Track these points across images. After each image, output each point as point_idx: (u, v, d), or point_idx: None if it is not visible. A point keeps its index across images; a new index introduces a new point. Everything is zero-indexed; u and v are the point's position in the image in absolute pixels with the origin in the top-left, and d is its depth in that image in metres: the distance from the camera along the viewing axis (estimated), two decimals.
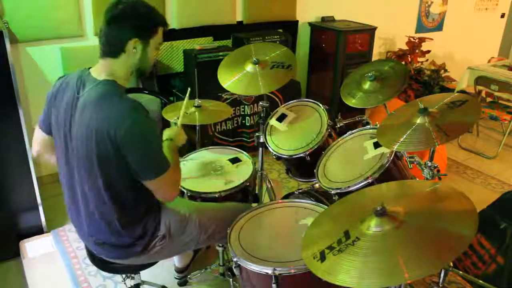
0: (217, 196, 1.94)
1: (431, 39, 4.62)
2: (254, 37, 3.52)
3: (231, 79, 2.18)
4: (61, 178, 1.61)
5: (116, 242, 1.57)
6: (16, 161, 2.41)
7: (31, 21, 2.82)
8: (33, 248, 2.53)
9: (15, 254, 2.49)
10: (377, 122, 1.99)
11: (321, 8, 4.17)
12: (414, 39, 4.56)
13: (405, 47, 4.59)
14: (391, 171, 1.80)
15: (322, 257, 1.19)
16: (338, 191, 1.81)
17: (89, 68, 1.52)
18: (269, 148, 2.20)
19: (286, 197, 2.20)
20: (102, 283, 2.34)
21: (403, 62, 4.39)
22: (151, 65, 1.56)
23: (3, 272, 2.41)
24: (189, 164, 2.19)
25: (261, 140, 2.29)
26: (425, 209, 1.25)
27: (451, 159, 3.81)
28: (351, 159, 1.95)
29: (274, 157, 2.18)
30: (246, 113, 3.49)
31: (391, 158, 1.78)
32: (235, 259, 1.55)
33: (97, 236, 1.58)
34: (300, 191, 2.17)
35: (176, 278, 2.30)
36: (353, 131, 2.10)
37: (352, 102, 2.13)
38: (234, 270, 1.58)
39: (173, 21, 3.40)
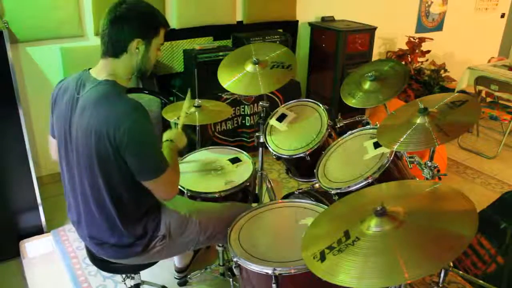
0: (217, 196, 1.94)
1: (431, 39, 4.62)
2: (254, 37, 3.52)
3: (231, 79, 2.18)
4: (62, 178, 1.62)
5: (117, 242, 1.57)
6: (16, 161, 2.41)
7: (31, 21, 2.82)
8: (33, 248, 2.53)
9: (15, 254, 2.49)
10: (377, 122, 1.99)
11: (321, 8, 4.17)
12: (414, 39, 4.56)
13: (405, 47, 4.59)
14: (391, 171, 1.80)
15: (322, 257, 1.19)
16: (338, 191, 1.81)
17: (89, 69, 1.53)
18: (269, 148, 2.20)
19: (286, 197, 2.20)
20: (102, 283, 2.34)
21: (403, 62, 4.39)
22: (152, 66, 1.56)
23: (3, 272, 2.41)
24: (189, 164, 2.19)
25: (261, 140, 2.29)
26: (425, 209, 1.25)
27: (451, 159, 3.81)
28: (351, 159, 1.95)
29: (274, 157, 2.18)
30: (246, 113, 3.49)
31: (391, 158, 1.78)
32: (235, 259, 1.55)
33: (97, 236, 1.58)
34: (300, 191, 2.17)
35: (176, 278, 2.30)
36: (353, 131, 2.10)
37: (352, 102, 2.12)
38: (234, 270, 1.58)
39: (173, 21, 3.40)
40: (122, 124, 1.37)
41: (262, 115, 2.31)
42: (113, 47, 1.45)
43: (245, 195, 2.07)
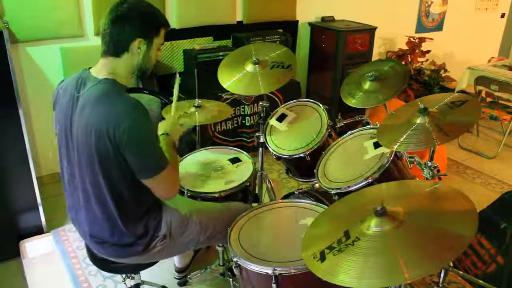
0: (217, 196, 1.94)
1: (431, 39, 4.62)
2: (254, 37, 3.52)
3: (231, 79, 2.18)
4: (63, 176, 1.62)
5: (117, 241, 1.57)
6: (16, 161, 2.41)
7: (31, 21, 2.82)
8: (33, 248, 2.53)
9: (15, 254, 2.49)
10: (377, 122, 1.99)
11: (321, 8, 4.17)
12: (414, 39, 4.56)
13: (405, 47, 4.59)
14: (391, 171, 1.80)
15: (322, 257, 1.19)
16: (338, 191, 1.81)
17: (90, 68, 1.53)
18: (269, 148, 2.20)
19: (286, 197, 2.20)
20: (102, 283, 2.34)
21: (403, 62, 4.39)
22: (152, 65, 1.57)
23: (3, 272, 2.41)
24: (189, 164, 2.19)
25: (261, 140, 2.29)
26: (425, 209, 1.25)
27: (451, 159, 3.81)
28: (351, 159, 1.95)
29: (274, 157, 2.18)
30: (246, 113, 3.49)
31: (391, 158, 1.78)
32: (235, 259, 1.55)
33: (98, 235, 1.58)
34: (300, 191, 2.17)
35: (176, 278, 2.30)
36: (353, 131, 2.10)
37: (352, 102, 2.12)
38: (234, 270, 1.58)
39: (173, 21, 3.40)
40: (122, 123, 1.38)
41: (262, 115, 2.31)
42: (114, 47, 1.46)
43: (245, 195, 2.07)
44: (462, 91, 4.00)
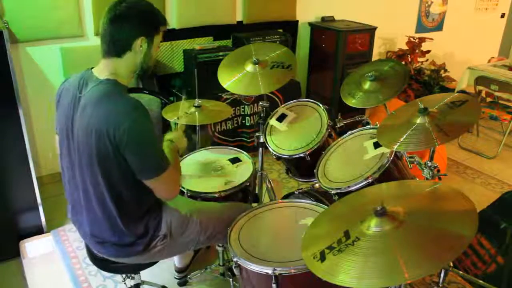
0: (217, 196, 1.94)
1: (431, 39, 4.62)
2: (254, 37, 3.52)
3: (231, 79, 2.18)
4: (63, 176, 1.62)
5: (118, 241, 1.57)
6: (16, 161, 2.41)
7: (31, 21, 2.82)
8: (33, 248, 2.53)
9: (15, 254, 2.49)
10: (377, 122, 1.99)
11: (321, 8, 4.17)
12: (414, 39, 4.56)
13: (405, 47, 4.59)
14: (391, 171, 1.80)
15: (322, 257, 1.19)
16: (338, 191, 1.81)
17: (92, 68, 1.53)
18: (269, 148, 2.20)
19: (286, 197, 2.20)
20: (102, 283, 2.34)
21: (403, 62, 4.39)
22: (153, 64, 1.57)
23: (3, 272, 2.41)
24: (189, 164, 2.19)
25: (261, 140, 2.29)
26: (425, 209, 1.25)
27: (451, 159, 3.81)
28: (351, 159, 1.95)
29: (274, 157, 2.18)
30: (246, 113, 3.49)
31: (391, 158, 1.78)
32: (235, 259, 1.55)
33: (99, 235, 1.58)
34: (300, 191, 2.17)
35: (176, 278, 2.30)
36: (353, 131, 2.10)
37: (352, 102, 2.12)
38: (234, 270, 1.58)
39: (173, 21, 3.40)
40: (122, 123, 1.38)
41: (262, 115, 2.31)
42: (117, 46, 1.46)
43: (245, 195, 2.07)
44: (462, 91, 4.00)
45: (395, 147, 1.61)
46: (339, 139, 2.09)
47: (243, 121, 3.52)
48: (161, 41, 1.57)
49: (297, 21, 4.05)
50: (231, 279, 2.16)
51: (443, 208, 1.24)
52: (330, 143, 2.11)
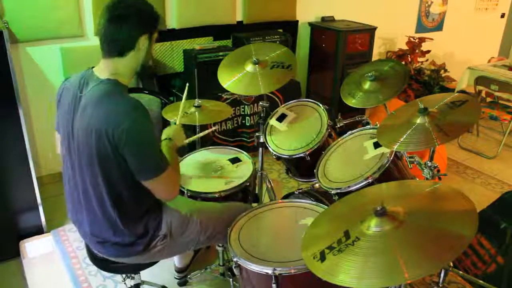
0: (217, 196, 1.94)
1: (431, 39, 4.62)
2: (254, 37, 3.52)
3: (231, 79, 2.18)
4: (64, 176, 1.62)
5: (118, 241, 1.57)
6: (16, 161, 2.41)
7: (31, 21, 2.82)
8: (33, 248, 2.53)
9: (15, 254, 2.49)
10: (377, 122, 1.99)
11: (321, 8, 4.17)
12: (414, 39, 4.56)
13: (405, 47, 4.59)
14: (391, 171, 1.80)
15: (322, 257, 1.19)
16: (338, 191, 1.81)
17: (93, 67, 1.53)
18: (269, 148, 2.20)
19: (286, 197, 2.20)
20: (102, 283, 2.34)
21: (403, 62, 4.39)
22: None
23: (3, 272, 2.41)
24: (189, 164, 2.19)
25: (261, 140, 2.29)
26: (425, 209, 1.25)
27: (451, 159, 3.81)
28: (351, 159, 1.95)
29: (274, 157, 2.18)
30: (246, 113, 3.49)
31: (391, 158, 1.78)
32: (235, 259, 1.55)
33: (99, 235, 1.58)
34: (300, 191, 2.17)
35: (176, 278, 2.30)
36: (353, 131, 2.10)
37: (352, 102, 2.12)
38: (234, 270, 1.58)
39: (173, 21, 3.40)
40: (121, 123, 1.38)
41: (262, 115, 2.31)
42: (119, 46, 1.45)
43: (245, 195, 2.07)
44: (462, 91, 4.00)
45: (395, 147, 1.61)
46: (339, 139, 2.09)
47: (243, 121, 3.52)
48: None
49: (297, 21, 4.05)
50: (231, 279, 2.16)
51: (443, 208, 1.24)
52: (330, 143, 2.11)
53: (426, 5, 4.97)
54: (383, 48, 4.81)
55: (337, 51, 3.92)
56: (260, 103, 2.32)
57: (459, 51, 5.44)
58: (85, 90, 1.47)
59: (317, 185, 2.03)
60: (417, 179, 1.91)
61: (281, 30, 3.85)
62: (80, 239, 1.72)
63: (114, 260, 1.67)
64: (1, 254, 2.48)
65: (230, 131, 3.48)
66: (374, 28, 4.05)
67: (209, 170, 2.13)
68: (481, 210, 2.30)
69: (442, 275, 1.65)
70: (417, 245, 1.12)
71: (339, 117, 2.21)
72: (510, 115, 3.89)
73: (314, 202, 1.83)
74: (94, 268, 2.30)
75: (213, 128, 2.02)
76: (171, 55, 3.49)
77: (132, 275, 1.85)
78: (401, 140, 1.61)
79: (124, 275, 1.87)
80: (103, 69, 1.49)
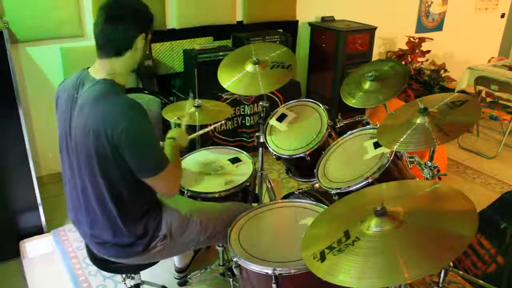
0: (217, 196, 1.94)
1: (431, 39, 4.62)
2: (254, 37, 3.52)
3: (231, 79, 2.18)
4: (64, 177, 1.62)
5: (117, 241, 1.57)
6: (16, 161, 2.41)
7: (31, 21, 2.82)
8: (33, 248, 2.53)
9: (15, 254, 2.49)
10: (377, 122, 1.99)
11: (321, 8, 4.17)
12: (414, 39, 4.56)
13: (405, 47, 4.59)
14: (391, 171, 1.80)
15: (322, 257, 1.19)
16: (338, 191, 1.81)
17: (88, 68, 1.53)
18: (269, 148, 2.20)
19: (286, 197, 2.20)
20: (102, 283, 2.34)
21: (403, 62, 4.39)
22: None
23: (3, 272, 2.41)
24: (189, 164, 2.19)
25: (261, 140, 2.29)
26: (425, 209, 1.25)
27: (451, 159, 3.81)
28: (351, 159, 1.95)
29: (274, 157, 2.18)
30: (246, 113, 3.49)
31: (391, 158, 1.78)
32: (235, 259, 1.55)
33: (99, 235, 1.58)
34: (300, 191, 2.17)
35: (176, 278, 2.30)
36: (353, 131, 2.10)
37: (352, 102, 2.12)
38: (234, 270, 1.58)
39: (173, 21, 3.40)
40: (119, 123, 1.38)
41: (262, 115, 2.31)
42: (116, 46, 1.45)
43: (245, 195, 2.07)
44: (462, 91, 4.00)
45: (395, 147, 1.61)
46: (339, 139, 2.09)
47: (243, 121, 3.52)
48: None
49: (297, 21, 4.05)
50: (231, 279, 2.16)
51: (443, 208, 1.24)
52: (330, 143, 2.11)
53: (426, 5, 4.97)
54: (383, 48, 4.81)
55: (337, 51, 3.92)
56: (260, 103, 2.32)
57: (459, 51, 5.44)
58: (81, 91, 1.47)
59: (317, 185, 2.03)
60: (417, 179, 1.91)
61: (281, 30, 3.85)
62: (80, 239, 1.72)
63: (114, 261, 1.67)
64: (1, 254, 2.48)
65: (230, 131, 3.48)
66: (374, 28, 4.05)
67: (209, 170, 2.13)
68: (481, 210, 2.30)
69: (442, 275, 1.65)
70: (417, 245, 1.12)
71: (339, 117, 2.21)
72: (510, 115, 3.89)
73: (314, 202, 1.83)
74: (94, 268, 2.30)
75: (215, 125, 2.02)
76: (171, 55, 3.49)
77: (132, 275, 1.85)
78: (401, 140, 1.61)
79: (124, 275, 1.87)
80: (99, 70, 1.49)
